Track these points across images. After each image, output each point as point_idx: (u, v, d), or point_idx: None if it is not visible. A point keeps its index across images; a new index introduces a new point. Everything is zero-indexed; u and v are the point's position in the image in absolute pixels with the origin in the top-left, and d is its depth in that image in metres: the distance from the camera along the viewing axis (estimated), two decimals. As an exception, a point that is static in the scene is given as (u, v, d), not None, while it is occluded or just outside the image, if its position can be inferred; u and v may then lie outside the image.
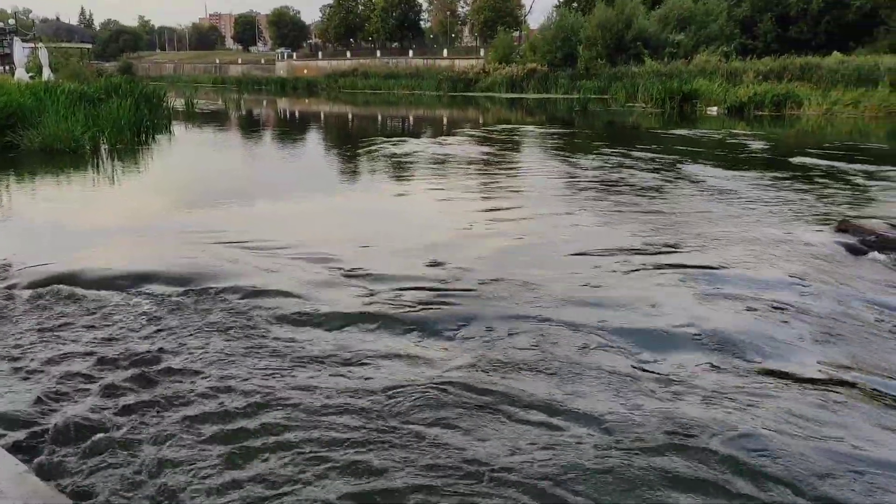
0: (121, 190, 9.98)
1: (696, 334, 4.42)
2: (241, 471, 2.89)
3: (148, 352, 4.00)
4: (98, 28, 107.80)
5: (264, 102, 38.55)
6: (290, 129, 22.76)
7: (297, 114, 30.72)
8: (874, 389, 3.82)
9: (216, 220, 7.61)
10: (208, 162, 13.70)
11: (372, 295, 5.05)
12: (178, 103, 24.97)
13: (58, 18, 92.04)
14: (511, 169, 12.42)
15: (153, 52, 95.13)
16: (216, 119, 24.84)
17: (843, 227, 7.26)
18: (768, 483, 2.88)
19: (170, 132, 17.85)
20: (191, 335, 4.28)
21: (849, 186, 10.36)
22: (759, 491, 2.83)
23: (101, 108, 15.73)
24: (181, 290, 5.05)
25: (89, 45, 58.08)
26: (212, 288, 5.09)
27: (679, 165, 12.40)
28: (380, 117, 27.96)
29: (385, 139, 17.27)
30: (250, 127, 22.88)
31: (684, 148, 15.35)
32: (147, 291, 5.05)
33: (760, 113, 25.53)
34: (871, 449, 3.16)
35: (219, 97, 39.31)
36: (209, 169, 12.81)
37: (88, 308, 4.70)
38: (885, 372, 4.06)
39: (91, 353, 3.96)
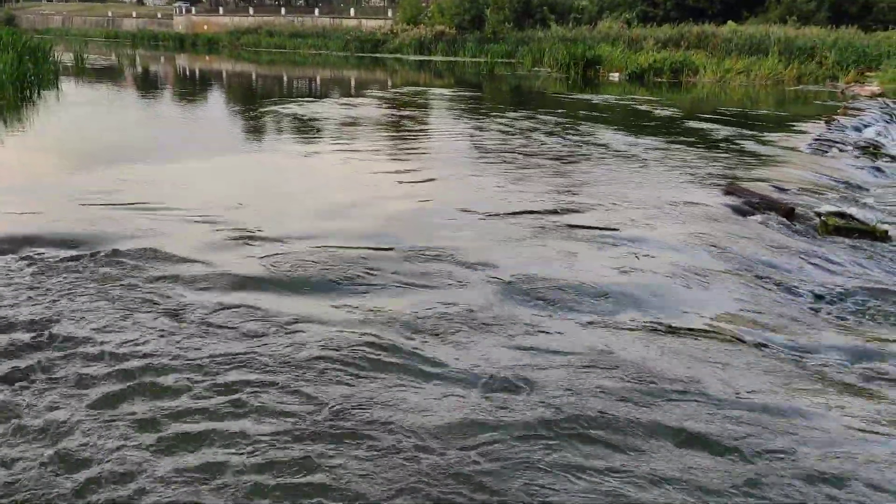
0: (1, 149, 9.37)
1: (592, 290, 4.59)
2: (131, 436, 2.82)
3: (31, 318, 3.81)
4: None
5: (161, 59, 36.74)
6: (190, 88, 21.85)
7: (197, 72, 29.48)
8: (753, 340, 4.09)
9: (109, 181, 7.26)
10: (100, 120, 13.01)
11: (273, 257, 4.96)
12: (67, 58, 23.43)
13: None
14: (419, 131, 12.40)
15: (39, 2, 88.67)
16: (109, 76, 23.53)
17: (730, 189, 7.66)
18: (652, 425, 3.05)
19: (58, 89, 16.80)
20: (79, 300, 4.10)
21: (738, 151, 10.90)
22: (642, 431, 3.00)
23: (-22, 62, 14.62)
24: (70, 253, 4.82)
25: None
26: (103, 251, 4.87)
27: (583, 130, 12.70)
28: (285, 77, 27.21)
29: (291, 100, 16.85)
30: (146, 84, 21.83)
31: (588, 113, 15.72)
32: (30, 255, 4.79)
33: (659, 79, 26.35)
34: (749, 395, 3.40)
35: (112, 53, 37.19)
36: (101, 127, 12.17)
37: (-37, 273, 4.43)
38: (763, 324, 4.36)
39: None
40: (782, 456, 2.90)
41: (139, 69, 28.69)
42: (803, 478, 2.76)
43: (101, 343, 3.57)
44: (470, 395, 3.25)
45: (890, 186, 9.51)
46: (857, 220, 6.80)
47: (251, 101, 17.56)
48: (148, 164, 8.38)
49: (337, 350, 3.59)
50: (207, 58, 39.11)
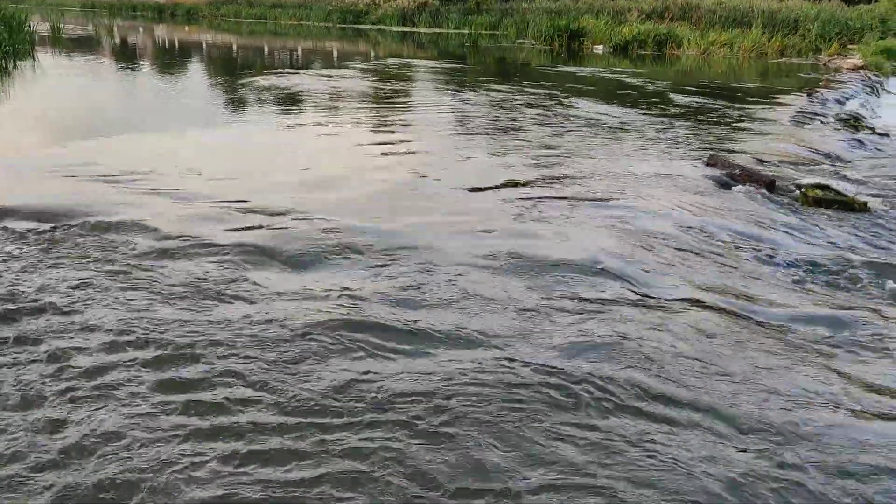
0: (-23, 121, 9.22)
1: (575, 262, 4.61)
2: (106, 406, 2.82)
3: (7, 290, 3.77)
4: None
5: (140, 29, 36.10)
6: (170, 59, 21.52)
7: (176, 42, 29.00)
8: (733, 311, 4.15)
9: (87, 154, 7.16)
10: (77, 92, 12.80)
11: (255, 229, 4.93)
12: (43, 28, 22.98)
13: None
14: (403, 104, 12.31)
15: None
16: (86, 46, 23.10)
17: (712, 161, 7.70)
18: (633, 391, 3.09)
19: (34, 59, 16.49)
20: (57, 272, 4.05)
21: (721, 123, 10.94)
22: (626, 395, 3.04)
23: (-50, 31, 14.32)
24: (46, 226, 4.75)
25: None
26: (81, 223, 4.81)
27: (566, 102, 12.68)
28: (266, 48, 26.85)
29: (272, 71, 16.64)
30: (124, 55, 21.46)
31: (572, 85, 15.66)
32: (6, 227, 4.72)
33: (643, 52, 26.29)
34: (724, 363, 3.45)
35: (89, 23, 36.51)
36: (78, 99, 11.98)
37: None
38: (743, 293, 4.42)
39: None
40: (757, 421, 2.95)
41: (117, 40, 28.18)
42: (777, 443, 2.81)
43: (75, 314, 3.54)
44: (451, 366, 3.27)
45: (870, 158, 9.60)
46: (837, 191, 6.87)
47: (232, 73, 17.33)
48: (127, 136, 8.27)
49: (318, 323, 3.58)
50: (187, 28, 38.49)
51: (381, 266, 4.42)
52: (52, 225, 4.78)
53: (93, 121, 9.24)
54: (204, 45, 27.51)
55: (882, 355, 3.74)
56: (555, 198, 6.14)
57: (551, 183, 6.71)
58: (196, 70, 18.36)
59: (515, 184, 6.61)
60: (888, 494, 2.56)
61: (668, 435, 2.82)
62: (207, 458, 2.55)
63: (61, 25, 25.98)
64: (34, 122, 9.19)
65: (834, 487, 2.57)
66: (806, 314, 4.18)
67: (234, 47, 27.50)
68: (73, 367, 3.08)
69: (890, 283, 4.76)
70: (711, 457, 2.69)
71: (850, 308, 4.33)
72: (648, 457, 2.67)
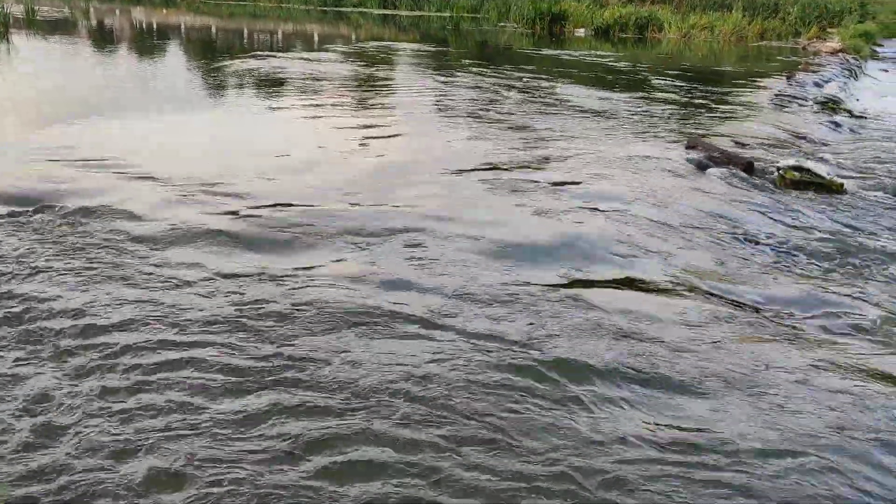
0: (-49, 105, 9.07)
1: (555, 245, 4.65)
2: (76, 390, 2.82)
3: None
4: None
5: (117, 11, 35.52)
6: (148, 42, 21.22)
7: (154, 25, 28.59)
8: (712, 291, 4.21)
9: (63, 138, 7.05)
10: (53, 75, 12.60)
11: (235, 214, 4.91)
12: (18, 10, 22.56)
13: None
14: (385, 87, 12.25)
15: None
16: (62, 28, 22.71)
17: (692, 144, 7.76)
18: (614, 374, 3.14)
19: (8, 42, 16.21)
20: (29, 257, 4.02)
21: (701, 107, 11.01)
22: (602, 381, 3.09)
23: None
24: (19, 209, 4.70)
25: None
26: (58, 208, 4.77)
27: (548, 86, 12.68)
28: (246, 31, 26.56)
29: (252, 55, 16.47)
30: (101, 38, 21.13)
31: (554, 69, 15.67)
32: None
33: (625, 35, 26.31)
34: (706, 344, 3.51)
35: (65, 4, 35.82)
36: (54, 82, 11.80)
37: None
38: (721, 275, 4.48)
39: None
40: (738, 398, 3.02)
41: (94, 22, 27.71)
42: (754, 422, 2.88)
43: (51, 299, 3.53)
44: (425, 345, 3.30)
45: (847, 141, 9.72)
46: (814, 173, 6.95)
47: (211, 56, 17.13)
48: (104, 120, 8.17)
49: (296, 307, 3.59)
50: (164, 11, 37.93)
51: (364, 248, 4.43)
52: (24, 209, 4.73)
53: (69, 104, 9.12)
54: (182, 28, 27.15)
55: (848, 332, 3.83)
56: (534, 181, 6.17)
57: (531, 166, 6.74)
58: (174, 53, 18.13)
59: (495, 167, 6.63)
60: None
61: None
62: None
63: (36, 7, 25.51)
64: (7, 105, 9.05)
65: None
66: (785, 294, 4.26)
67: (213, 30, 27.17)
68: (46, 347, 3.09)
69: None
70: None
71: (828, 288, 4.41)
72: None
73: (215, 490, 2.33)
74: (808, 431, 2.82)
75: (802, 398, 3.07)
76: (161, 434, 2.58)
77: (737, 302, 4.09)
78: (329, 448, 2.56)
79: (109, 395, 2.80)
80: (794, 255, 4.97)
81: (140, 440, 2.55)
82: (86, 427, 2.61)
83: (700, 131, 8.83)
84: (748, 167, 7.04)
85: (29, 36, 19.00)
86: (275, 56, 16.26)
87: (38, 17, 24.32)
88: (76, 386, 2.84)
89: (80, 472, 2.38)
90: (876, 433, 2.84)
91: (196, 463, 2.44)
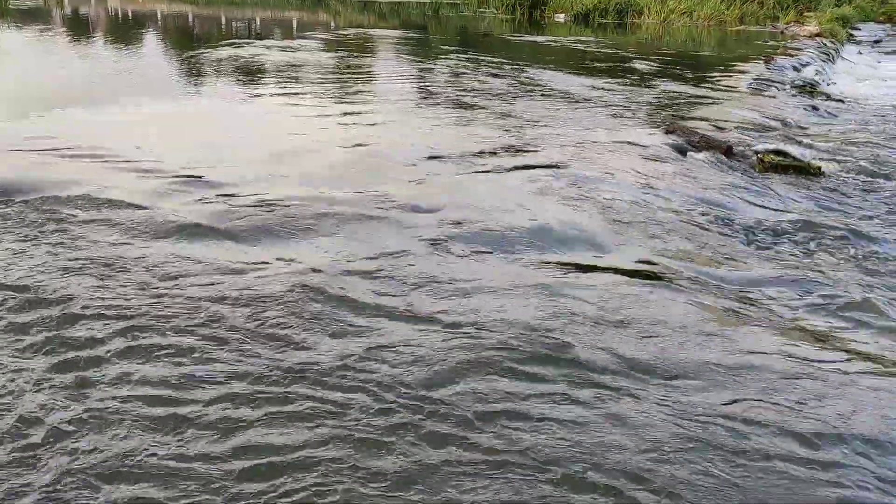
0: (-77, 96, 8.90)
1: (534, 230, 4.65)
2: (56, 382, 2.80)
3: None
4: None
5: (91, 1, 35.02)
6: (124, 31, 20.93)
7: (130, 13, 28.19)
8: (690, 275, 4.24)
9: (41, 128, 6.95)
10: (29, 65, 12.41)
11: (210, 203, 4.86)
12: (-12, -1, 22.18)
13: None
14: (365, 74, 12.18)
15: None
16: (36, 17, 22.33)
17: (671, 128, 7.79)
18: (588, 356, 3.16)
19: (-21, 31, 15.95)
20: (8, 247, 3.97)
21: (680, 91, 11.05)
22: (571, 365, 3.11)
23: None
24: None
25: None
26: (35, 198, 4.70)
27: (528, 71, 12.66)
28: (224, 19, 26.27)
29: (230, 43, 16.30)
30: (77, 27, 20.81)
31: (533, 54, 15.65)
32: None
33: (605, 21, 26.32)
34: (684, 327, 3.54)
35: (37, -7, 35.23)
36: (30, 72, 11.62)
37: None
38: (701, 258, 4.51)
39: None
40: (719, 383, 3.04)
41: (68, 10, 27.27)
42: (737, 408, 2.91)
43: (31, 290, 3.49)
44: (405, 331, 3.30)
45: (825, 124, 9.80)
46: (793, 157, 7.01)
47: (189, 45, 16.93)
48: (82, 109, 8.05)
49: (276, 297, 3.57)
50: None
51: (345, 237, 4.41)
52: (3, 199, 4.67)
53: (46, 94, 8.98)
54: (159, 16, 26.80)
55: (826, 314, 3.87)
56: (514, 168, 6.16)
57: (510, 151, 6.73)
58: (152, 42, 17.91)
59: (473, 153, 6.61)
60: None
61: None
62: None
63: (8, -4, 25.06)
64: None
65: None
66: (764, 277, 4.30)
67: (191, 17, 26.84)
68: (23, 338, 3.06)
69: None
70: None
71: (807, 270, 4.46)
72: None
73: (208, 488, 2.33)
74: (779, 414, 2.85)
75: (775, 382, 3.10)
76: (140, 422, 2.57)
77: (716, 284, 4.12)
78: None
79: (92, 391, 2.78)
80: (774, 238, 5.01)
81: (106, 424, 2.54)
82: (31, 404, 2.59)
83: (680, 116, 8.86)
84: (727, 151, 7.09)
85: (2, 25, 18.68)
86: (253, 44, 16.10)
87: (10, 6, 23.93)
88: (35, 370, 2.82)
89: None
90: (854, 411, 2.88)
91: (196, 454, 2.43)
